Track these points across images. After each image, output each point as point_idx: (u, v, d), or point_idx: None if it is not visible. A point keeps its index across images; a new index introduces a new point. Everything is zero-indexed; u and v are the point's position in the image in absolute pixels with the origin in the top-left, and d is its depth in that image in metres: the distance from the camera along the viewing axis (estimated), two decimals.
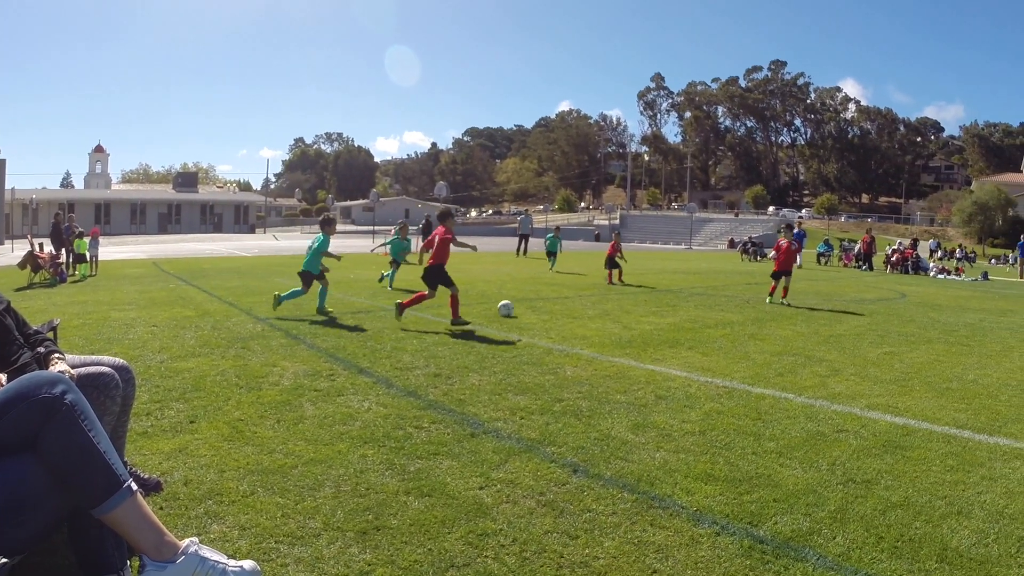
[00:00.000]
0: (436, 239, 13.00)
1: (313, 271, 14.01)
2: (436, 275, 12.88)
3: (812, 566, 3.99)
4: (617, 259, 23.65)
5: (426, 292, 13.01)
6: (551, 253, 30.82)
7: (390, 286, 19.32)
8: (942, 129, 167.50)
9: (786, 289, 18.26)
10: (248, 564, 3.48)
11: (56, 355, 4.08)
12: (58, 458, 3.21)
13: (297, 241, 62.09)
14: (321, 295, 14.05)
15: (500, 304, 14.31)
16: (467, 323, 12.44)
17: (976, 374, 9.71)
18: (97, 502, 3.23)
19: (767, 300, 17.96)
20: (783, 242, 18.74)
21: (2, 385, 3.51)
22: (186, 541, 3.39)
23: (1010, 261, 45.28)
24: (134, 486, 3.34)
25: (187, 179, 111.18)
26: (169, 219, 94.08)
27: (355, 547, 3.98)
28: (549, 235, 31.64)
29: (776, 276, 18.39)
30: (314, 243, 14.41)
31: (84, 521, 3.37)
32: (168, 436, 5.79)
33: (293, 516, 4.34)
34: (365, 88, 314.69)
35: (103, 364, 4.34)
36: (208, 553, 3.40)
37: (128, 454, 4.86)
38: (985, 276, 37.37)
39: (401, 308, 12.48)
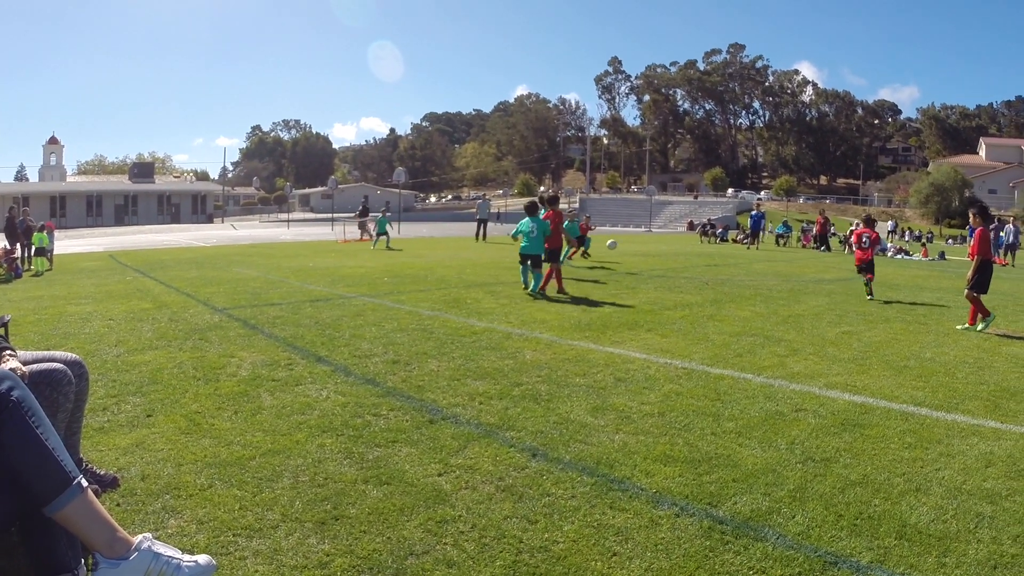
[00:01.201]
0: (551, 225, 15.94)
1: (541, 253, 15.71)
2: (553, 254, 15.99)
3: (772, 545, 4.01)
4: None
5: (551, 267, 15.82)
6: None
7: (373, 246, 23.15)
8: (899, 111, 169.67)
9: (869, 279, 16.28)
10: (203, 559, 3.45)
11: (7, 351, 4.01)
12: (5, 456, 3.16)
13: (256, 230, 61.52)
14: (537, 279, 15.52)
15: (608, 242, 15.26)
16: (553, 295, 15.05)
17: (933, 352, 9.82)
18: (47, 500, 3.19)
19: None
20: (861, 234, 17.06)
21: None
22: (139, 537, 3.35)
23: (968, 242, 46.18)
24: (84, 483, 3.30)
25: (143, 169, 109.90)
26: (126, 210, 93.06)
27: (313, 538, 3.96)
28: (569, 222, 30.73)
29: (862, 270, 16.70)
30: (533, 231, 15.69)
31: (36, 520, 3.31)
32: (125, 431, 5.72)
33: (251, 508, 4.30)
34: (321, 74, 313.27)
35: (55, 360, 4.28)
36: (162, 548, 3.36)
37: (84, 450, 4.80)
38: (942, 256, 37.84)
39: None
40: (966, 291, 12.49)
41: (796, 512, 4.44)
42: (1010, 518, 4.47)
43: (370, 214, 41.43)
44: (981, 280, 12.39)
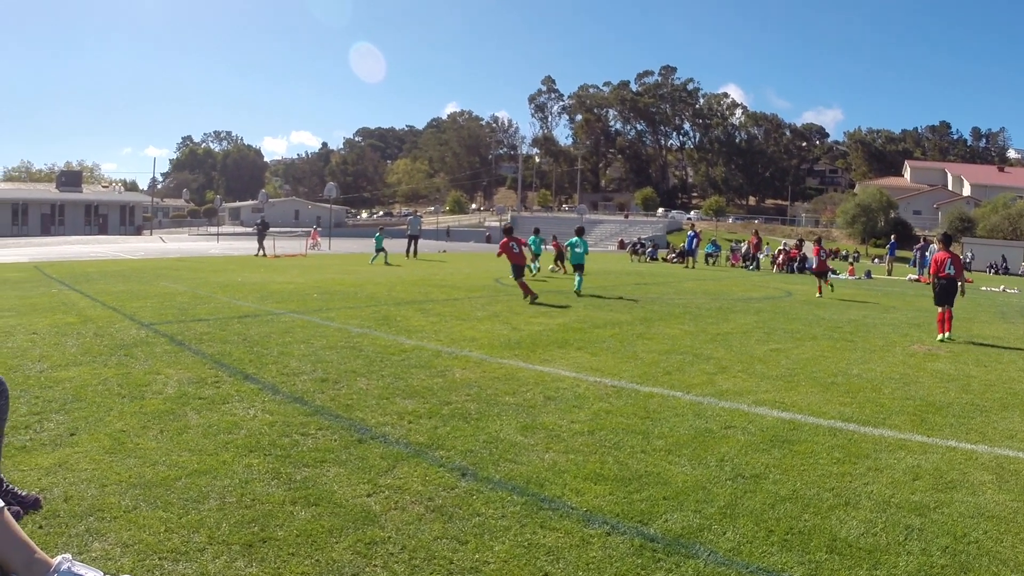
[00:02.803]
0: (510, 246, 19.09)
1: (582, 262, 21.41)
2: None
3: (704, 562, 4.04)
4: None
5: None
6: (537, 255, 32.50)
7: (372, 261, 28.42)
8: (827, 135, 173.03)
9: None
10: None
11: None
12: None
13: (185, 243, 60.72)
14: (579, 282, 20.69)
15: None
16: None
17: (860, 369, 10.01)
18: None
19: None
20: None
21: None
22: (59, 558, 3.30)
23: (886, 260, 47.33)
24: (1, 503, 3.23)
25: (71, 178, 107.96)
26: (52, 220, 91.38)
27: (241, 560, 3.90)
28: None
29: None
30: (579, 247, 21.58)
31: None
32: (48, 450, 5.60)
33: (177, 531, 4.23)
34: (252, 86, 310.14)
35: None
36: (81, 569, 3.31)
37: (5, 469, 4.71)
38: (868, 275, 38.53)
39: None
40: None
41: (727, 528, 4.48)
42: (939, 530, 4.57)
43: (269, 229, 41.59)
44: (940, 294, 14.06)
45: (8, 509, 3.32)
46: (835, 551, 4.22)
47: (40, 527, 4.23)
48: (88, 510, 4.48)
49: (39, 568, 3.22)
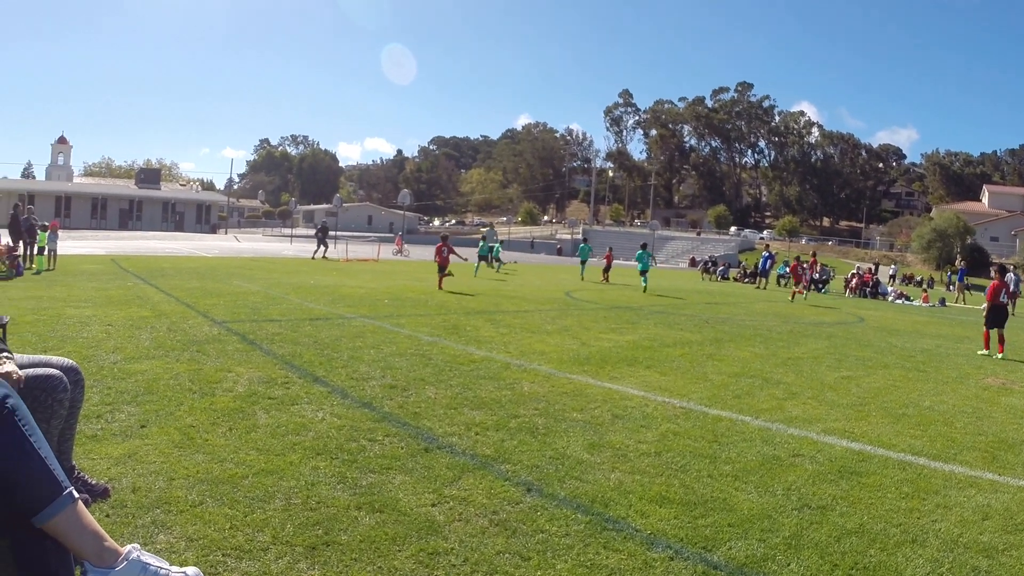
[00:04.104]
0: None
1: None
2: None
3: None
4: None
5: None
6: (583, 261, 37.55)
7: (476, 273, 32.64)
8: (903, 156, 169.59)
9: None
10: (191, 571, 3.43)
11: (4, 354, 3.98)
12: None
13: (259, 244, 61.58)
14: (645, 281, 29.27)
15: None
16: None
17: (932, 400, 9.77)
18: (37, 510, 3.16)
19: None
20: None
21: None
22: (128, 547, 3.33)
23: (955, 288, 46.29)
24: (75, 493, 3.28)
25: (150, 175, 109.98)
26: (130, 215, 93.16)
27: (303, 562, 3.91)
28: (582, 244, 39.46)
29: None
30: (642, 258, 30.70)
31: (25, 530, 3.28)
32: (118, 440, 5.68)
33: (242, 528, 4.26)
34: (326, 93, 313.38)
35: (51, 365, 4.25)
36: (150, 559, 3.34)
37: (76, 457, 4.76)
38: (942, 302, 37.78)
39: None
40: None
41: (791, 560, 4.39)
42: (1006, 573, 4.44)
43: (328, 233, 44.07)
44: (990, 318, 15.80)
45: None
46: None
47: (107, 516, 4.29)
48: (155, 502, 4.53)
49: (109, 556, 3.26)
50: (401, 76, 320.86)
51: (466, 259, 31.86)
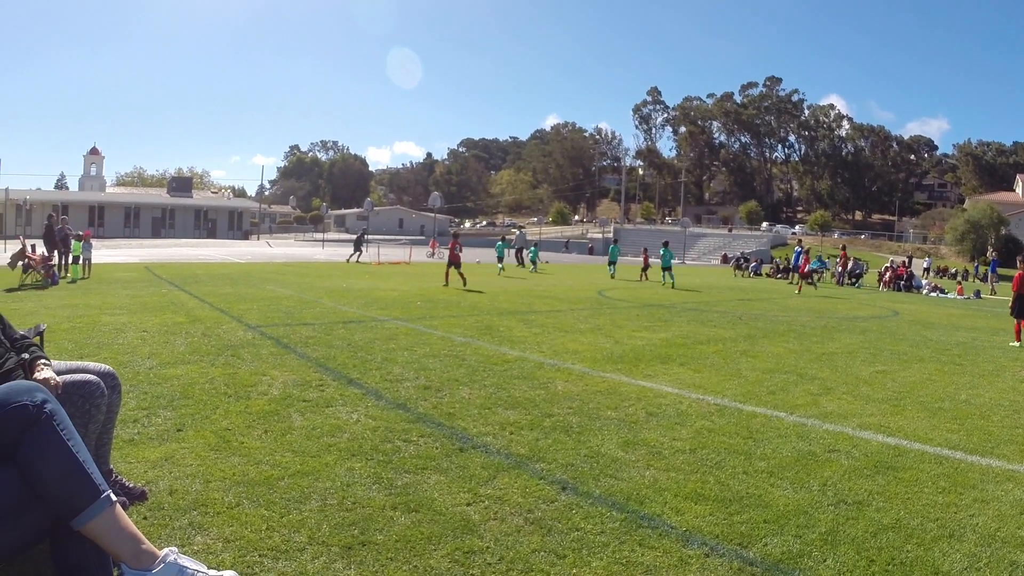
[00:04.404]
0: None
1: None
2: None
3: None
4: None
5: None
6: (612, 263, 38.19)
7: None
8: (935, 147, 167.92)
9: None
10: (228, 574, 3.46)
11: (42, 361, 4.03)
12: (36, 468, 3.18)
13: (291, 249, 61.93)
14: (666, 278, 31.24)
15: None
16: None
17: (968, 394, 9.67)
18: (75, 513, 3.20)
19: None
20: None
21: None
22: (165, 550, 3.37)
23: (988, 280, 45.80)
24: (113, 497, 3.31)
25: (181, 184, 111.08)
26: (163, 223, 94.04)
27: (340, 562, 3.93)
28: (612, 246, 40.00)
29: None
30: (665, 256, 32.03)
31: (64, 532, 3.32)
32: (155, 444, 5.73)
33: (278, 529, 4.28)
34: (354, 98, 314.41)
35: (88, 371, 4.31)
36: (187, 562, 3.37)
37: (114, 461, 4.81)
38: (977, 295, 37.43)
39: None
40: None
41: (827, 556, 4.36)
42: None
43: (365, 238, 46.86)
44: (1016, 308, 16.17)
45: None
46: None
47: (145, 518, 4.32)
48: (192, 504, 4.57)
49: (146, 559, 3.29)
50: (405, 80, 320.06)
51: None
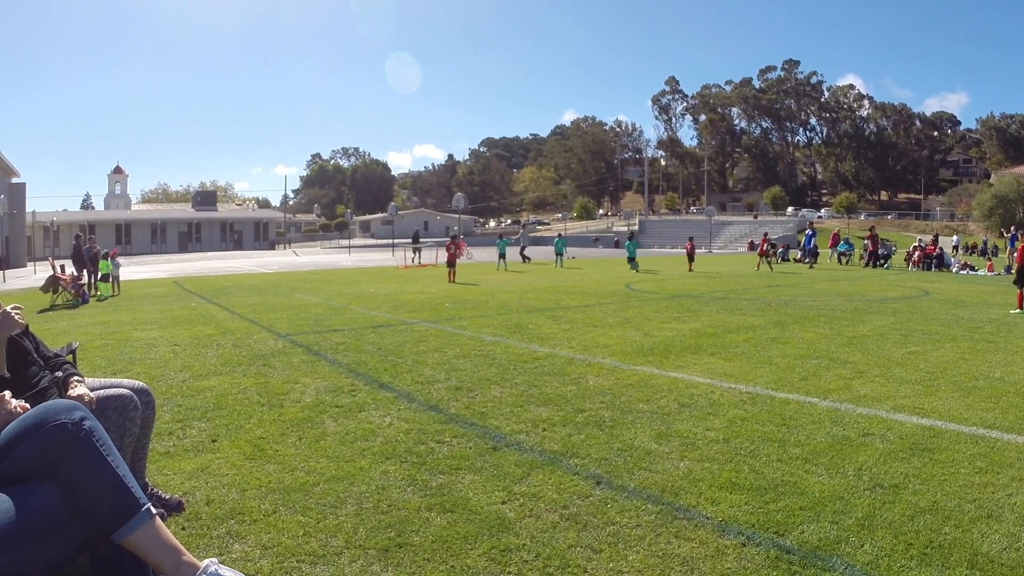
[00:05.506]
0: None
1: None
2: None
3: (840, 575, 3.93)
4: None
5: None
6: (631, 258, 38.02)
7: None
8: (958, 123, 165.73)
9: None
10: None
11: (75, 378, 4.09)
12: (76, 484, 3.22)
13: (318, 256, 62.14)
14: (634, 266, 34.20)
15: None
16: None
17: (1003, 372, 9.54)
18: (116, 527, 3.23)
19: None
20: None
21: (26, 409, 3.51)
22: (206, 561, 3.39)
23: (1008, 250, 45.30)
24: (153, 509, 3.35)
25: (206, 198, 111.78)
26: (189, 238, 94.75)
27: (377, 565, 3.95)
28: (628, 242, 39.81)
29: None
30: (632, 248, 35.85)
31: (105, 546, 3.36)
32: (190, 455, 5.79)
33: (315, 535, 4.31)
34: (372, 103, 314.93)
35: (122, 387, 4.35)
36: (228, 572, 3.40)
37: (150, 474, 4.86)
38: (1008, 270, 37.05)
39: None
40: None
41: (865, 541, 4.34)
42: None
43: (420, 240, 49.37)
44: (1020, 278, 17.40)
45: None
46: (976, 566, 4.02)
47: (183, 529, 4.37)
48: (229, 513, 4.61)
49: (187, 571, 3.31)
50: (404, 84, 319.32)
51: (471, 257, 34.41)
